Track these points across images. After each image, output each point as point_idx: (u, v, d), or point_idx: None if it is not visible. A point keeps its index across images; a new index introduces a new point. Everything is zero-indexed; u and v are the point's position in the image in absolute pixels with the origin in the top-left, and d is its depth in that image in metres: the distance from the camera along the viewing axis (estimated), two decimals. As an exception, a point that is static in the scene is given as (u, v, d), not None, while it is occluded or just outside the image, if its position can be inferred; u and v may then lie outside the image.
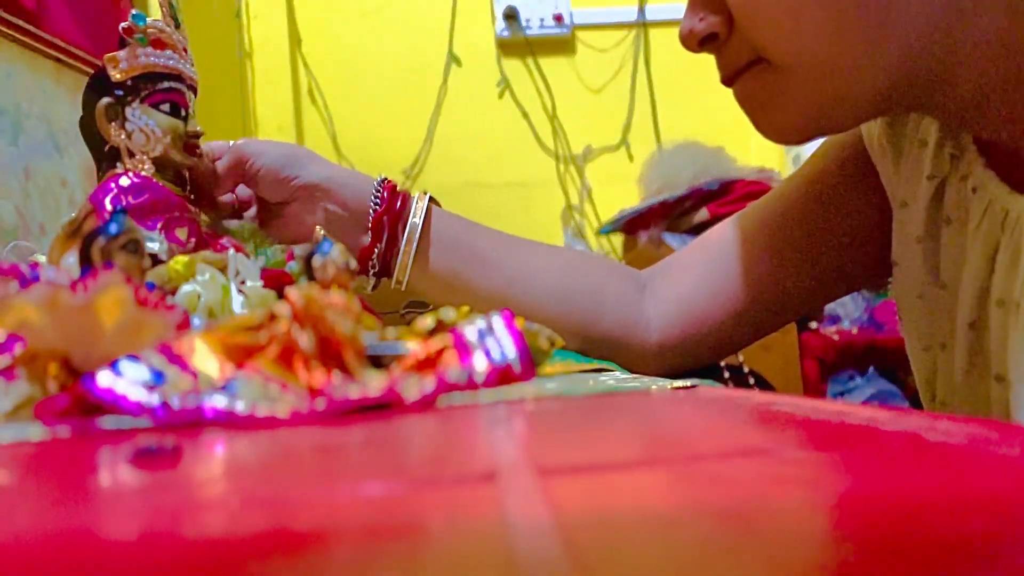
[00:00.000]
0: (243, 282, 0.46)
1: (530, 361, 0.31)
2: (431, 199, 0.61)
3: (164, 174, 0.56)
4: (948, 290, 0.51)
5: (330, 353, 0.30)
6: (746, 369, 1.35)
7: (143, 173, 0.54)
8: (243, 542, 0.14)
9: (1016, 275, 0.45)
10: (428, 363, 0.31)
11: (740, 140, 1.80)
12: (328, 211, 0.60)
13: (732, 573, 0.12)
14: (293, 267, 0.52)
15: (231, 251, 0.50)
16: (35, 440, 0.26)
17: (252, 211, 0.64)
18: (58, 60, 1.04)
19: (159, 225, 0.53)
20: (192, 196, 0.58)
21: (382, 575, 0.13)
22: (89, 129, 0.55)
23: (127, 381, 0.27)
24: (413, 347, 0.32)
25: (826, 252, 0.58)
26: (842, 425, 0.23)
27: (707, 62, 0.48)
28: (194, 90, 0.58)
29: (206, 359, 0.29)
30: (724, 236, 0.61)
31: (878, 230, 0.56)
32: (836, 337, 1.47)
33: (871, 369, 1.46)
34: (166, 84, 0.55)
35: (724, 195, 1.54)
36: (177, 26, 0.56)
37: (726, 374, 1.32)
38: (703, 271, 0.61)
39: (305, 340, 0.30)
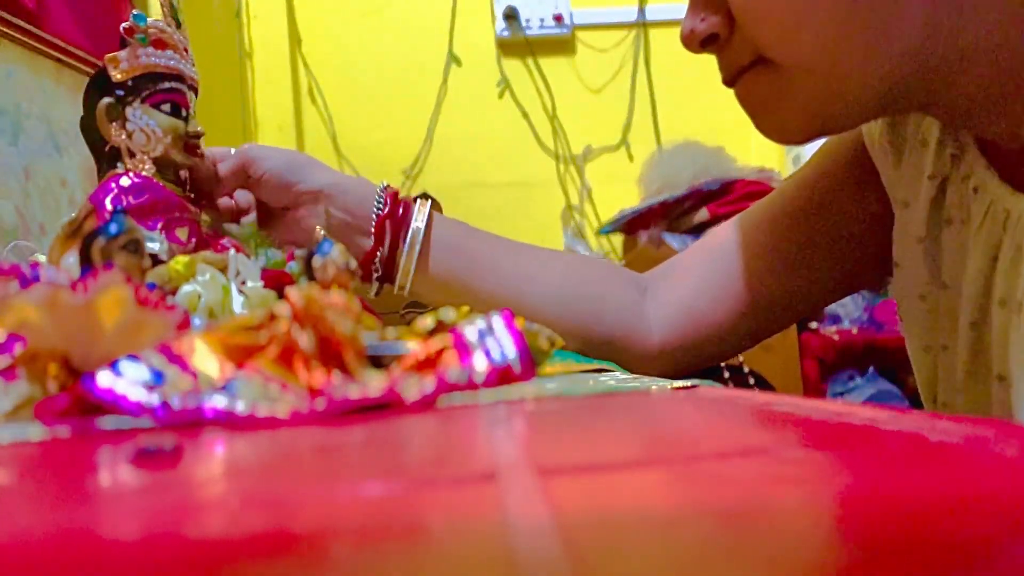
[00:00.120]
0: (243, 282, 0.46)
1: (530, 361, 0.31)
2: (432, 205, 0.62)
3: (165, 174, 0.56)
4: (949, 290, 0.51)
5: (330, 353, 0.30)
6: (746, 369, 1.35)
7: (144, 173, 0.54)
8: (243, 542, 0.14)
9: (1018, 275, 0.45)
10: (428, 363, 0.31)
11: (740, 140, 1.80)
12: (331, 216, 0.60)
13: (732, 573, 0.12)
14: (293, 267, 0.52)
15: (231, 251, 0.50)
16: (35, 440, 0.26)
17: (251, 216, 0.64)
18: (58, 60, 1.04)
19: (160, 225, 0.53)
20: (192, 196, 0.58)
21: (382, 575, 0.13)
22: (90, 129, 0.55)
23: (127, 381, 0.27)
24: (413, 347, 0.32)
25: (827, 253, 0.58)
26: (842, 425, 0.23)
27: (707, 62, 0.48)
28: (195, 90, 0.58)
29: (206, 359, 0.29)
30: (724, 238, 0.61)
31: (879, 231, 0.56)
32: (836, 337, 1.47)
33: (871, 369, 1.46)
34: (167, 84, 0.55)
35: (724, 195, 1.54)
36: (178, 26, 0.56)
37: (726, 374, 1.32)
38: (704, 274, 0.61)
39: (305, 340, 0.30)
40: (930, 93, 0.44)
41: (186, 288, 0.43)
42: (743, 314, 0.59)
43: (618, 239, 1.88)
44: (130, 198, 0.53)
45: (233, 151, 0.62)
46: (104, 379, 0.27)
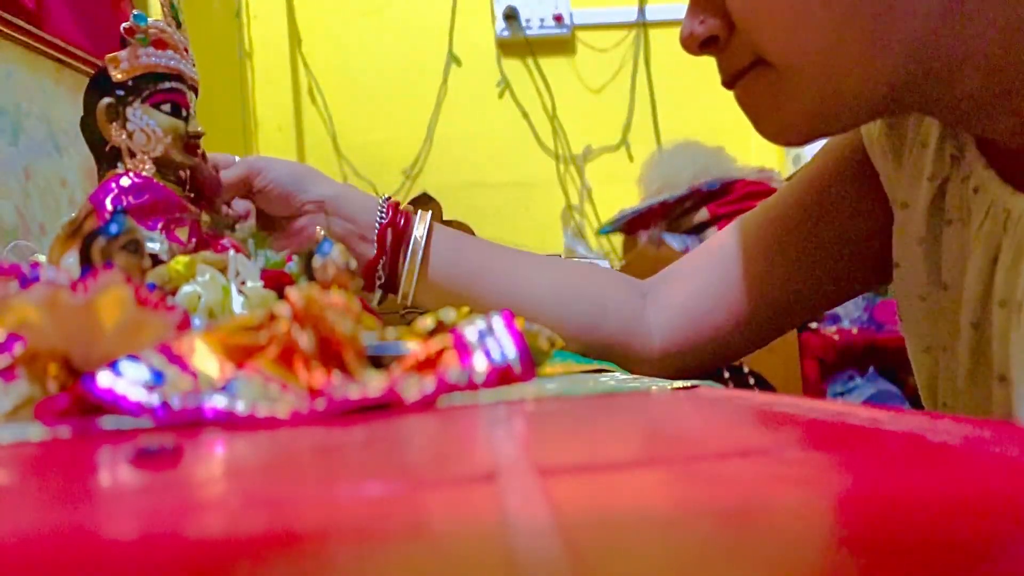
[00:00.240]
0: (243, 282, 0.46)
1: (530, 361, 0.31)
2: (432, 205, 0.62)
3: (165, 174, 0.56)
4: (950, 291, 0.51)
5: (330, 353, 0.30)
6: (746, 369, 1.35)
7: (144, 173, 0.54)
8: (243, 542, 0.14)
9: (1018, 275, 0.45)
10: (428, 363, 0.31)
11: (740, 140, 1.80)
12: (333, 225, 0.61)
13: (732, 573, 0.12)
14: (293, 268, 0.52)
15: (231, 252, 0.50)
16: (35, 440, 0.26)
17: (250, 221, 0.65)
18: (58, 60, 1.04)
19: (160, 225, 0.53)
20: (192, 196, 0.58)
21: (382, 575, 0.13)
22: (90, 129, 0.55)
23: (127, 381, 0.27)
24: (413, 347, 0.32)
25: (827, 255, 0.58)
26: (842, 425, 0.23)
27: (707, 62, 0.49)
28: (195, 90, 0.58)
29: (206, 359, 0.29)
30: (724, 242, 0.61)
31: (879, 232, 0.56)
32: (836, 337, 1.47)
33: (871, 369, 1.46)
34: (167, 84, 0.55)
35: (724, 195, 1.54)
36: (178, 26, 0.56)
37: (726, 374, 1.32)
38: (704, 277, 0.61)
39: (305, 340, 0.30)
40: (931, 93, 0.44)
41: (186, 288, 0.43)
42: (744, 318, 0.59)
43: (618, 239, 1.88)
44: (130, 198, 0.53)
45: (237, 159, 0.63)
46: (104, 379, 0.27)
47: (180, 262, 0.44)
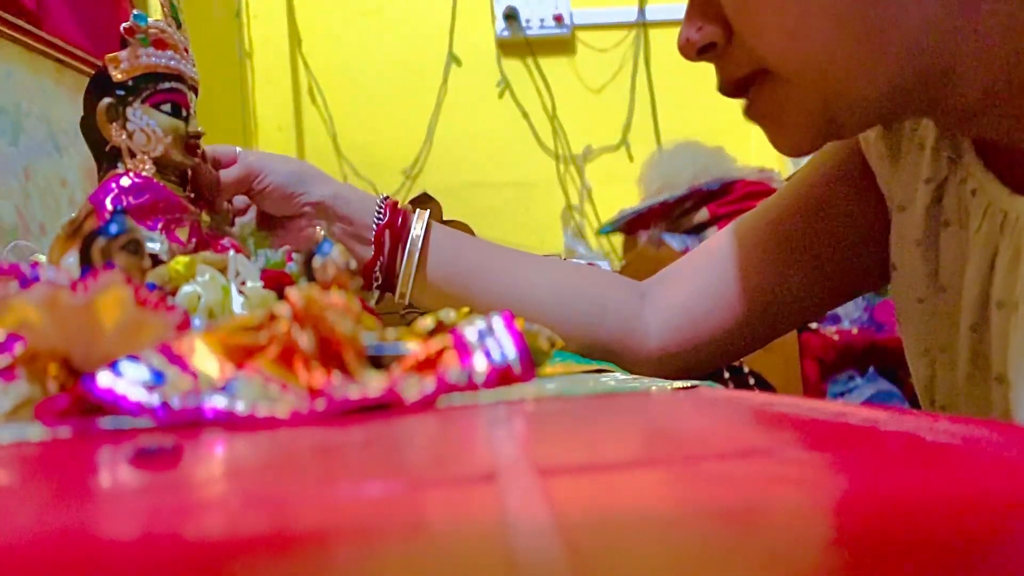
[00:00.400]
0: (243, 283, 0.46)
1: (530, 362, 0.31)
2: (432, 205, 0.62)
3: (165, 174, 0.56)
4: (948, 293, 0.51)
5: (330, 353, 0.30)
6: (746, 370, 1.35)
7: (144, 173, 0.54)
8: (243, 542, 0.14)
9: (1016, 276, 0.45)
10: (428, 364, 0.31)
11: (740, 140, 1.80)
12: (332, 226, 0.61)
13: (732, 573, 0.12)
14: (293, 268, 0.52)
15: (231, 252, 0.50)
16: (35, 440, 0.26)
17: (248, 216, 0.65)
18: (58, 60, 1.04)
19: (160, 225, 0.53)
20: (193, 196, 0.58)
21: (382, 575, 0.13)
22: (90, 129, 0.55)
23: (127, 381, 0.27)
24: (413, 347, 0.32)
25: (825, 258, 0.58)
26: (842, 425, 0.23)
27: (708, 63, 0.49)
28: (195, 90, 0.58)
29: (206, 359, 0.29)
30: (722, 244, 0.61)
31: (877, 234, 0.56)
32: (836, 337, 1.47)
33: (871, 369, 1.46)
34: (167, 84, 0.55)
35: (724, 195, 1.54)
36: (178, 26, 0.56)
37: (726, 375, 1.32)
38: (702, 279, 0.61)
39: (305, 340, 0.30)
40: (933, 96, 0.44)
41: (186, 288, 0.43)
42: (741, 319, 0.59)
43: (618, 239, 1.88)
44: (130, 198, 0.53)
45: (238, 150, 0.62)
46: (104, 379, 0.27)
47: (180, 262, 0.44)
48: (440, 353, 0.31)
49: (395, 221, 0.60)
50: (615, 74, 1.96)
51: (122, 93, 0.54)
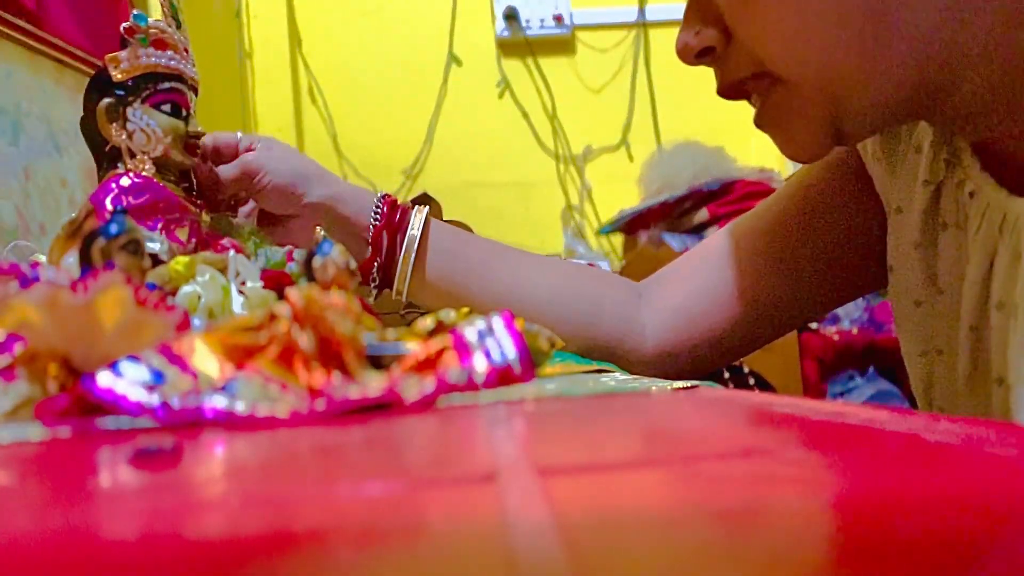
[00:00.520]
0: (243, 283, 0.46)
1: (530, 362, 0.31)
2: (432, 205, 0.62)
3: (165, 174, 0.56)
4: (945, 295, 0.51)
5: (330, 353, 0.30)
6: (746, 370, 1.35)
7: (144, 173, 0.54)
8: (243, 542, 0.14)
9: (1015, 278, 0.45)
10: (428, 364, 0.31)
11: (740, 140, 1.80)
12: (332, 226, 0.61)
13: (732, 573, 0.12)
14: (293, 268, 0.52)
15: (231, 252, 0.50)
16: (35, 440, 0.26)
17: (248, 207, 0.64)
18: (58, 60, 1.04)
19: (160, 225, 0.53)
20: (194, 196, 0.58)
21: (382, 575, 0.13)
22: (90, 129, 0.55)
23: (127, 381, 0.27)
24: (413, 348, 0.32)
25: (822, 260, 0.58)
26: (842, 425, 0.23)
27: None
28: (195, 90, 0.58)
29: (206, 359, 0.29)
30: (719, 245, 0.61)
31: (875, 236, 0.56)
32: (836, 337, 1.47)
33: (871, 369, 1.46)
34: (167, 84, 0.55)
35: (724, 195, 1.54)
36: (178, 26, 0.56)
37: (726, 375, 1.32)
38: (699, 279, 0.61)
39: (305, 340, 0.30)
40: (932, 100, 0.44)
41: (186, 288, 0.43)
42: (738, 320, 0.59)
43: (618, 239, 1.88)
44: (130, 198, 0.53)
45: (239, 135, 0.62)
46: (104, 379, 0.27)
47: (180, 262, 0.44)
48: (440, 353, 0.31)
49: (393, 219, 0.60)
50: (615, 74, 1.96)
51: (122, 93, 0.54)
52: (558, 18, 1.91)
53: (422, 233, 0.60)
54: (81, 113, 0.55)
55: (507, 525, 0.14)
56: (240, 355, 0.30)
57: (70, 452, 0.25)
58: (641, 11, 1.94)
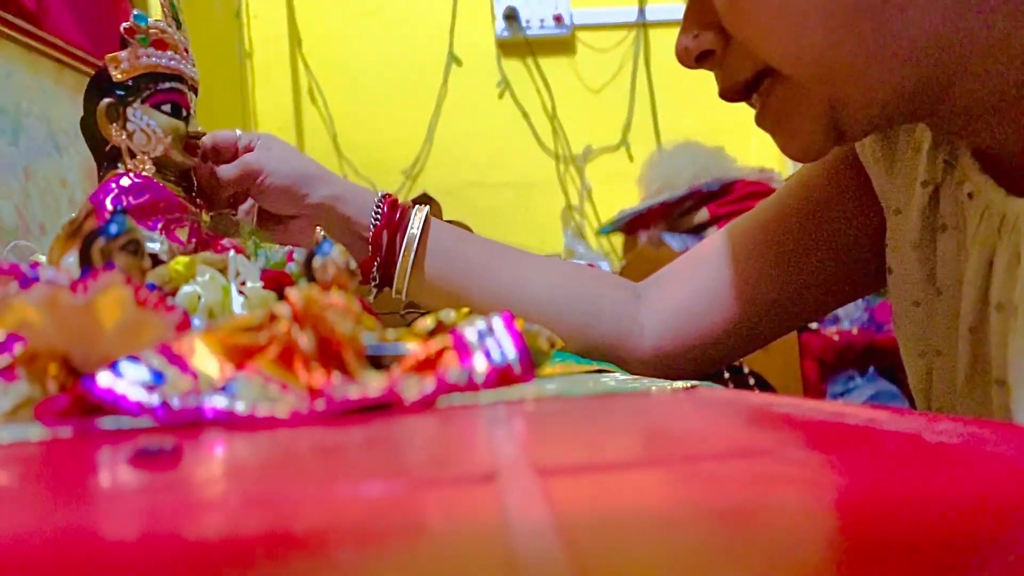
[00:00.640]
0: (243, 283, 0.46)
1: (530, 362, 0.31)
2: (432, 205, 0.62)
3: (165, 174, 0.56)
4: (945, 296, 0.51)
5: (330, 354, 0.30)
6: (746, 370, 1.35)
7: (144, 173, 0.54)
8: (243, 542, 0.14)
9: (1015, 278, 0.45)
10: (428, 364, 0.31)
11: (740, 140, 1.80)
12: (332, 226, 0.61)
13: (732, 573, 0.12)
14: (293, 268, 0.52)
15: (231, 252, 0.50)
16: (35, 440, 0.26)
17: (247, 205, 0.64)
18: (58, 60, 1.04)
19: (160, 225, 0.53)
20: (194, 196, 0.58)
21: (382, 575, 0.13)
22: (90, 129, 0.55)
23: (127, 381, 0.27)
24: (413, 348, 0.32)
25: (821, 261, 0.58)
26: (842, 425, 0.23)
27: (706, 67, 0.49)
28: (195, 90, 0.58)
29: (206, 360, 0.29)
30: (718, 246, 0.61)
31: (874, 237, 0.56)
32: (836, 337, 1.47)
33: (871, 369, 1.46)
34: (167, 84, 0.55)
35: (724, 195, 1.54)
36: (178, 26, 0.56)
37: (726, 375, 1.32)
38: (697, 280, 0.61)
39: (305, 341, 0.30)
40: (932, 100, 0.44)
41: (186, 289, 0.43)
42: (736, 321, 0.59)
43: (618, 239, 1.88)
44: (130, 198, 0.53)
45: (238, 132, 0.62)
46: (104, 379, 0.27)
47: (180, 262, 0.44)
48: (440, 353, 0.31)
49: (393, 219, 0.60)
50: (615, 74, 1.96)
51: (122, 93, 0.54)
52: (558, 18, 1.91)
53: (422, 232, 0.60)
54: (81, 113, 0.55)
55: (507, 525, 0.14)
56: (240, 355, 0.30)
57: (70, 452, 0.25)
58: (641, 11, 1.94)
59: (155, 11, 1.05)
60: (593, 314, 0.61)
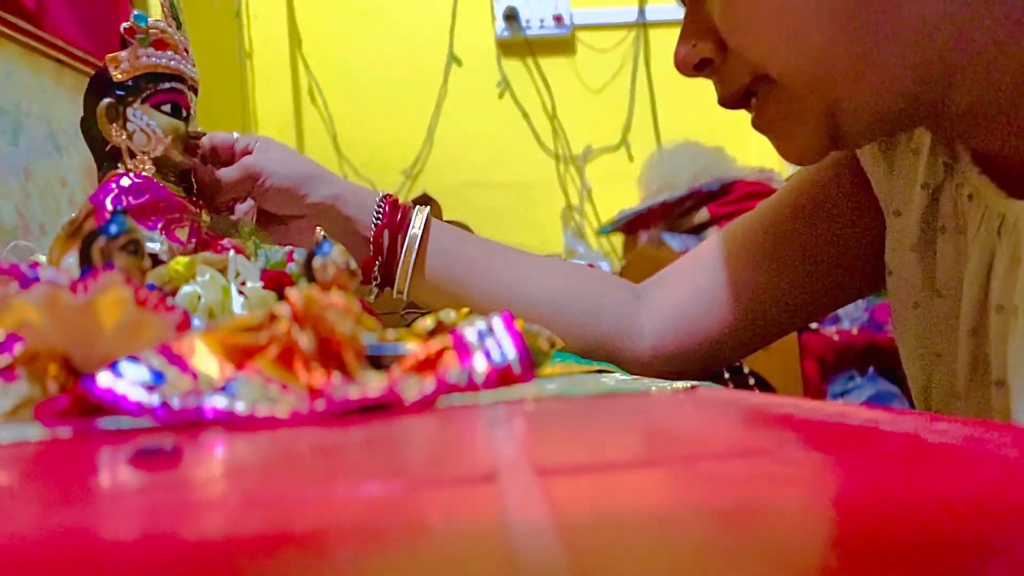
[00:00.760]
0: (243, 283, 0.46)
1: (530, 362, 0.31)
2: (432, 205, 0.62)
3: (165, 174, 0.56)
4: (944, 298, 0.51)
5: (330, 354, 0.30)
6: (746, 370, 1.35)
7: (144, 173, 0.54)
8: (243, 542, 0.14)
9: (1014, 280, 0.45)
10: (428, 364, 0.31)
11: (740, 140, 1.80)
12: (333, 226, 0.61)
13: (732, 573, 0.12)
14: (293, 268, 0.52)
15: (231, 252, 0.50)
16: (35, 440, 0.26)
17: (246, 205, 0.64)
18: (58, 60, 1.04)
19: (160, 225, 0.53)
20: (194, 196, 0.58)
21: (382, 575, 0.13)
22: (90, 129, 0.55)
23: (127, 382, 0.27)
24: (413, 348, 0.32)
25: (820, 262, 0.58)
26: (842, 426, 0.23)
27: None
28: (195, 90, 0.58)
29: (206, 360, 0.29)
30: (718, 247, 0.61)
31: (873, 239, 0.56)
32: (836, 337, 1.47)
33: (871, 369, 1.46)
34: (167, 84, 0.55)
35: (724, 195, 1.54)
36: (179, 26, 0.56)
37: (726, 375, 1.32)
38: (697, 281, 0.61)
39: (305, 341, 0.30)
40: (931, 105, 0.45)
41: (186, 289, 0.43)
42: (737, 322, 0.59)
43: (618, 239, 1.88)
44: (130, 198, 0.53)
45: (235, 135, 0.62)
46: (104, 380, 0.27)
47: (180, 262, 0.44)
48: (440, 353, 0.31)
49: (394, 219, 0.61)
50: (615, 74, 1.96)
51: (122, 93, 0.54)
52: (558, 18, 1.91)
53: (423, 233, 0.60)
54: (81, 113, 0.55)
55: (507, 525, 0.14)
56: (240, 355, 0.30)
57: (70, 452, 0.25)
58: (641, 11, 1.94)
59: (155, 11, 1.05)
60: (593, 314, 0.61)
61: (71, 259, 0.40)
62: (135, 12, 0.54)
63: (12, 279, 0.39)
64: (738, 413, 0.29)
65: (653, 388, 0.34)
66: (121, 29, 0.53)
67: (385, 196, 0.62)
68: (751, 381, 1.35)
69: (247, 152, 0.61)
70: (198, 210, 0.58)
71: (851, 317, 1.54)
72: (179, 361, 0.29)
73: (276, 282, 0.47)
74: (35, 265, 0.42)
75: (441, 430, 0.26)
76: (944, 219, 0.50)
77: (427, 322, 0.34)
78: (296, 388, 0.29)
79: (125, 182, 0.54)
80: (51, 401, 0.29)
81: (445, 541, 0.14)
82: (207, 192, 0.60)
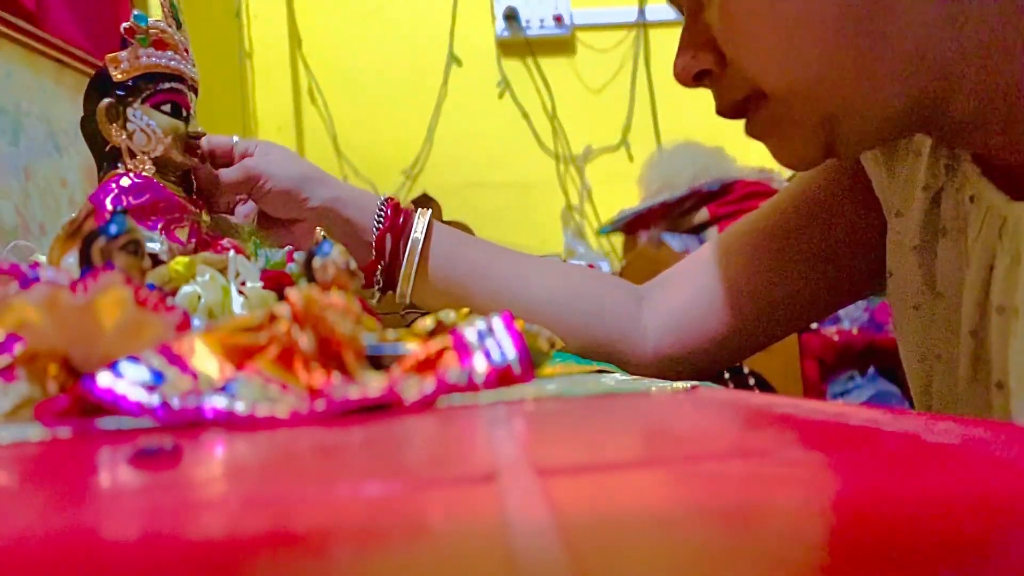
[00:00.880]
0: (243, 283, 0.46)
1: (530, 362, 0.31)
2: (432, 206, 0.62)
3: (165, 174, 0.56)
4: (944, 300, 0.51)
5: (330, 354, 0.30)
6: (746, 370, 1.35)
7: (144, 173, 0.54)
8: (243, 542, 0.14)
9: (1015, 281, 0.45)
10: (428, 364, 0.31)
11: (740, 140, 1.78)
12: (334, 229, 0.61)
13: (732, 573, 0.12)
14: (293, 268, 0.52)
15: (231, 252, 0.50)
16: (35, 440, 0.26)
17: (247, 207, 0.64)
18: (58, 60, 1.04)
19: (160, 226, 0.53)
20: (194, 196, 0.58)
21: (382, 575, 0.13)
22: (90, 129, 0.55)
23: (127, 382, 0.27)
24: (413, 348, 0.32)
25: (821, 263, 0.58)
26: (841, 426, 0.23)
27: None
28: (195, 90, 0.58)
29: (206, 360, 0.29)
30: (719, 249, 0.61)
31: (874, 240, 0.56)
32: (836, 337, 1.47)
33: (871, 369, 1.46)
34: (167, 85, 0.55)
35: (724, 195, 1.54)
36: (179, 27, 0.56)
37: (726, 375, 1.32)
38: (699, 283, 0.61)
39: (305, 341, 0.30)
40: (927, 115, 0.45)
41: (186, 289, 0.43)
42: (738, 323, 0.59)
43: (618, 239, 1.88)
44: (130, 198, 0.53)
45: (235, 139, 0.62)
46: (104, 380, 0.27)
47: (180, 262, 0.44)
48: (440, 353, 0.31)
49: (396, 223, 0.61)
50: (615, 74, 1.96)
51: (122, 93, 0.54)
52: (558, 18, 1.91)
53: (425, 236, 0.60)
54: (81, 113, 0.55)
55: (507, 525, 0.14)
56: (240, 355, 0.30)
57: (70, 452, 0.25)
58: (641, 11, 1.94)
59: (155, 11, 1.05)
60: (594, 315, 0.61)
61: (71, 259, 0.40)
62: (135, 12, 0.54)
63: (12, 279, 0.39)
64: (738, 413, 0.29)
65: (653, 388, 0.34)
66: (121, 29, 0.53)
67: (387, 199, 0.62)
68: (751, 381, 1.35)
69: (246, 156, 0.61)
70: (198, 210, 0.58)
71: (851, 317, 1.54)
72: (179, 361, 0.29)
73: (276, 282, 0.47)
74: (35, 265, 0.42)
75: (441, 430, 0.26)
76: (945, 221, 0.51)
77: (427, 322, 0.34)
78: (296, 388, 0.29)
79: (125, 182, 0.54)
80: (51, 401, 0.29)
81: (445, 541, 0.14)
82: (207, 192, 0.60)
